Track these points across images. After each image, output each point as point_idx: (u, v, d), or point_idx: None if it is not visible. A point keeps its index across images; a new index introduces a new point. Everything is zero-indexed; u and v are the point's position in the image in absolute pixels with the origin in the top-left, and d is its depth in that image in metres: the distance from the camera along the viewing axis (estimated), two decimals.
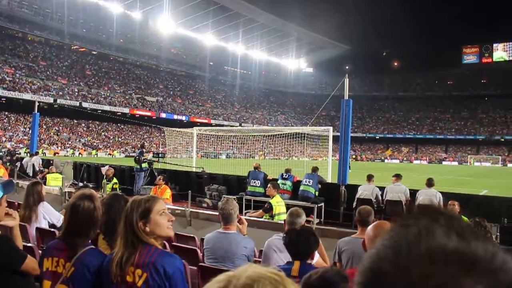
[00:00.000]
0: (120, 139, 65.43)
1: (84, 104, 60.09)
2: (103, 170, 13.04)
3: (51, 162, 18.07)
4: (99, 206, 2.65)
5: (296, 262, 2.95)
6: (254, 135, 32.12)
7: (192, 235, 5.81)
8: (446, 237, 0.52)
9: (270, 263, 3.77)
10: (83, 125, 64.60)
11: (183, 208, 7.81)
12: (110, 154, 57.03)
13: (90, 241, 2.67)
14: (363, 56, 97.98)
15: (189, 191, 8.40)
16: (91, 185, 13.24)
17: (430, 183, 9.93)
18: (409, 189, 10.44)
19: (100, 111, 57.88)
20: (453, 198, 8.37)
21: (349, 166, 36.17)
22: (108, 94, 68.74)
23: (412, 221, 0.55)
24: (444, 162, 75.48)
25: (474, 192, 14.68)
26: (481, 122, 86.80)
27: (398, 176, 10.70)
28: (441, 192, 9.82)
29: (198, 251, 4.75)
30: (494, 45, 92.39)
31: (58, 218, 5.28)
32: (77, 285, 2.41)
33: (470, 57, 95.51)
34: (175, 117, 71.33)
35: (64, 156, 46.47)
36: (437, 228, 0.53)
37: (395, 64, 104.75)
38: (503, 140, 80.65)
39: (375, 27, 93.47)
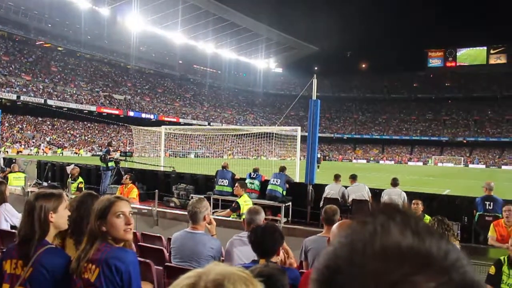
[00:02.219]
0: (86, 138, 64.17)
1: (49, 102, 58.58)
2: (68, 169, 12.80)
3: (14, 160, 17.61)
4: (58, 206, 2.59)
5: (262, 260, 2.97)
6: (223, 135, 32.05)
7: (159, 235, 5.77)
8: (401, 235, 0.52)
9: (232, 263, 3.77)
10: (48, 123, 62.98)
11: (150, 208, 7.75)
12: (76, 153, 55.86)
13: (56, 242, 2.64)
14: (332, 58, 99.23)
15: (156, 190, 8.34)
16: (56, 184, 12.98)
17: (395, 183, 10.15)
18: (376, 189, 10.63)
19: (66, 109, 56.73)
20: (417, 198, 8.58)
21: (318, 166, 36.30)
22: (74, 92, 67.28)
23: (369, 219, 0.55)
24: (409, 163, 77.00)
25: (437, 192, 15.03)
26: (445, 124, 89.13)
27: (353, 178, 10.89)
28: (405, 192, 10.03)
29: (165, 250, 4.72)
30: (458, 49, 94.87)
31: (20, 220, 5.14)
32: (36, 286, 2.37)
33: (435, 60, 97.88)
34: (144, 115, 70.53)
35: (28, 154, 45.34)
36: (393, 226, 0.53)
37: (363, 66, 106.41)
38: (465, 141, 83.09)
39: (344, 29, 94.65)
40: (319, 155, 50.84)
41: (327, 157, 73.11)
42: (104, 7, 67.77)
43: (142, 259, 3.91)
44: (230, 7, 70.18)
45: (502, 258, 4.87)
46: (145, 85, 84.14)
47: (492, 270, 4.87)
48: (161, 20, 71.56)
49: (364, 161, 79.53)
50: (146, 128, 22.89)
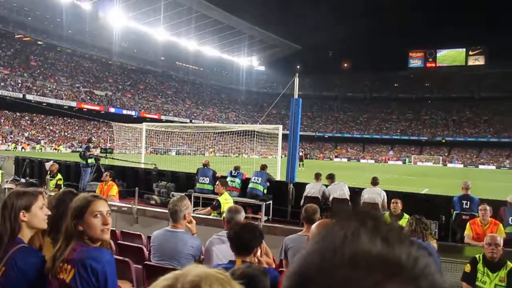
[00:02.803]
0: (66, 134, 63.32)
1: (28, 97, 57.61)
2: (47, 165, 12.63)
3: None
4: (31, 205, 2.53)
5: (238, 260, 2.98)
6: (205, 132, 31.94)
7: (138, 233, 5.74)
8: (371, 243, 0.52)
9: (211, 262, 3.78)
10: (27, 118, 61.95)
11: (130, 205, 7.69)
12: (56, 149, 55.09)
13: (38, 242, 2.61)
14: (314, 57, 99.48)
15: (137, 188, 8.28)
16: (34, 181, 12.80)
17: (375, 182, 10.24)
18: (356, 188, 10.72)
19: (45, 104, 55.76)
20: (396, 197, 8.68)
21: (302, 164, 36.29)
22: (54, 87, 66.25)
23: (340, 225, 0.55)
24: (389, 162, 77.78)
25: (416, 191, 15.23)
26: (424, 123, 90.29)
27: (331, 178, 10.98)
28: (385, 191, 10.14)
29: (144, 249, 4.70)
30: (438, 50, 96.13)
31: None
32: (8, 285, 2.33)
33: (415, 61, 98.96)
34: (125, 112, 69.80)
35: (6, 150, 44.56)
36: (363, 233, 0.53)
37: (345, 65, 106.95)
38: (444, 141, 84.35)
39: (327, 28, 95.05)
40: (301, 154, 51.17)
41: (308, 156, 73.39)
42: (86, 2, 66.97)
43: (121, 258, 3.89)
44: (213, 4, 69.92)
45: (477, 256, 4.98)
46: (126, 81, 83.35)
47: (468, 268, 4.98)
48: (144, 16, 70.97)
49: (345, 159, 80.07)
50: (127, 124, 22.71)
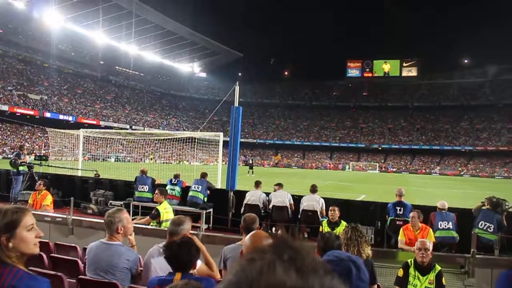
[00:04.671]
0: None
1: None
2: None
3: None
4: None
5: (178, 273, 2.95)
6: (145, 138, 31.39)
7: (73, 245, 5.54)
8: (286, 274, 0.53)
9: (149, 275, 3.71)
10: None
11: (65, 216, 7.40)
12: None
13: None
14: (256, 64, 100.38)
15: (72, 197, 7.99)
16: None
17: (313, 189, 10.45)
18: (295, 195, 10.88)
19: None
20: (334, 204, 8.89)
21: (252, 171, 36.45)
22: None
23: (258, 256, 0.56)
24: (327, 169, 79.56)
25: (354, 197, 15.69)
26: (362, 131, 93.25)
27: (279, 185, 11.10)
28: (323, 198, 10.36)
29: (79, 262, 4.53)
30: (375, 61, 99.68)
31: None
32: None
33: (353, 70, 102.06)
34: (61, 117, 67.15)
35: None
36: (279, 264, 0.54)
37: (286, 73, 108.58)
38: (380, 148, 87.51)
39: (268, 36, 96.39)
40: (250, 161, 51.65)
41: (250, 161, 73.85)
42: (19, 0, 63.95)
43: (53, 272, 3.74)
44: (155, 8, 69.02)
45: (409, 260, 5.22)
46: (63, 85, 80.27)
47: (400, 272, 5.20)
48: (82, 18, 68.67)
49: (286, 167, 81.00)
50: (63, 130, 21.99)
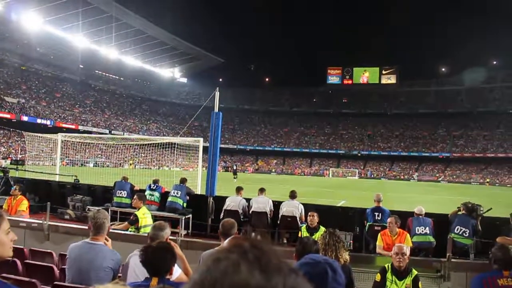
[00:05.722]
0: None
1: None
2: None
3: None
4: None
5: (154, 278, 2.94)
6: (125, 144, 31.12)
7: (49, 251, 5.46)
8: (249, 274, 0.54)
9: (127, 279, 3.69)
10: None
11: (41, 221, 7.28)
12: None
13: None
14: (237, 70, 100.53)
15: (49, 202, 7.87)
16: None
17: (293, 195, 10.49)
18: (275, 201, 10.90)
19: None
20: (312, 210, 8.92)
21: (236, 177, 36.40)
22: None
23: (223, 256, 0.57)
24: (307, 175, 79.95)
25: (333, 203, 15.78)
26: (342, 138, 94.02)
27: (261, 190, 11.11)
28: (302, 204, 10.40)
29: (55, 268, 4.47)
30: (354, 68, 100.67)
31: None
32: None
33: (333, 78, 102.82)
34: (39, 121, 66.06)
35: None
36: (243, 264, 0.55)
37: (267, 79, 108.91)
38: (359, 155, 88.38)
39: (249, 42, 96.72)
40: (235, 167, 51.72)
41: (229, 169, 73.75)
42: None
43: (27, 279, 3.69)
44: (136, 13, 68.62)
45: (386, 265, 5.27)
46: (41, 89, 79.02)
47: (378, 277, 5.25)
48: (62, 21, 67.77)
49: (266, 173, 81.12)
50: (41, 134, 21.70)
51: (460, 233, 8.34)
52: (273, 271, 0.55)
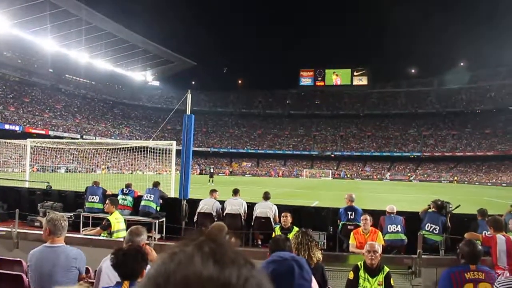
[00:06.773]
0: None
1: None
2: None
3: None
4: None
5: (126, 282, 2.92)
6: (97, 148, 30.67)
7: (18, 259, 5.34)
8: (203, 265, 0.55)
9: (99, 282, 3.65)
10: None
11: (9, 229, 7.11)
12: None
13: None
14: (210, 73, 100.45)
15: (17, 209, 7.71)
16: None
17: (266, 196, 10.53)
18: (248, 203, 10.91)
19: None
20: (286, 210, 8.98)
21: (212, 180, 36.34)
22: None
23: (179, 249, 0.58)
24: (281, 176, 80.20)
25: (307, 204, 15.87)
26: (315, 139, 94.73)
27: (235, 192, 11.11)
28: (276, 205, 10.44)
29: (24, 276, 4.38)
30: (326, 70, 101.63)
31: None
32: None
33: (306, 79, 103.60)
34: (7, 126, 64.47)
35: None
36: (197, 256, 0.56)
37: (240, 82, 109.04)
38: (333, 155, 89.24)
39: (222, 45, 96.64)
40: (211, 170, 51.65)
41: (204, 171, 73.49)
42: None
43: None
44: (106, 16, 67.73)
45: (359, 263, 5.35)
46: (9, 94, 77.12)
47: (351, 275, 5.32)
48: (30, 24, 66.29)
49: (241, 175, 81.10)
50: (9, 140, 21.22)
51: (431, 230, 8.53)
52: (228, 263, 0.56)
